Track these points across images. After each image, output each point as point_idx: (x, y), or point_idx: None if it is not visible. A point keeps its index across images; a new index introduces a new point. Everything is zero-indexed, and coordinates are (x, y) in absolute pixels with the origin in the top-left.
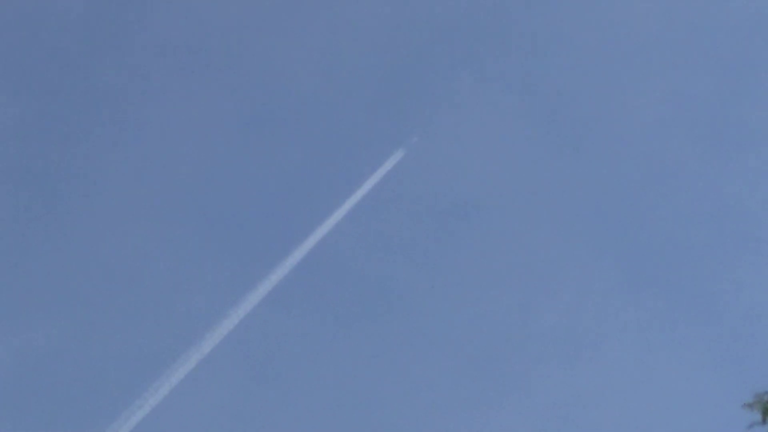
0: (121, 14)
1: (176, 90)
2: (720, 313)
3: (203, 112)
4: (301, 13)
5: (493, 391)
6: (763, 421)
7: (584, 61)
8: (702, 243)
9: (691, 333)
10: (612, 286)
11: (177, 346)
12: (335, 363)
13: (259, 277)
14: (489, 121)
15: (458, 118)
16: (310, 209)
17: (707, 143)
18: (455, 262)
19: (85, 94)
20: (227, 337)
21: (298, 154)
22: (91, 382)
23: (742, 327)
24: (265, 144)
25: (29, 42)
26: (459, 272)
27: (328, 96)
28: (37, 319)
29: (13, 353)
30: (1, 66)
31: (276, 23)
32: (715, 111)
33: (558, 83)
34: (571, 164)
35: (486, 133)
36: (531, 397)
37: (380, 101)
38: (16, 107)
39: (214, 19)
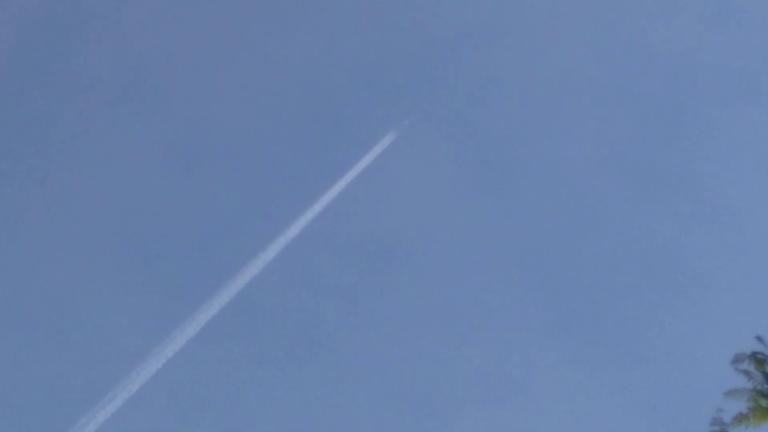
0: (51, 45)
1: (103, 122)
2: (643, 356)
3: (131, 146)
4: (225, 59)
5: None
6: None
7: (515, 105)
8: (626, 287)
9: (615, 376)
10: (538, 328)
11: (104, 383)
12: (263, 401)
13: (187, 314)
14: (419, 162)
15: (388, 158)
16: (240, 248)
17: (633, 187)
18: (383, 302)
19: (11, 125)
20: (155, 374)
21: (229, 192)
22: (15, 418)
23: (665, 370)
24: (196, 181)
25: None
26: (386, 312)
27: (257, 137)
28: None
29: None
30: None
31: (195, 67)
32: (641, 155)
33: (489, 126)
34: (500, 206)
35: (416, 174)
36: None
37: (311, 142)
38: None
39: (153, 48)
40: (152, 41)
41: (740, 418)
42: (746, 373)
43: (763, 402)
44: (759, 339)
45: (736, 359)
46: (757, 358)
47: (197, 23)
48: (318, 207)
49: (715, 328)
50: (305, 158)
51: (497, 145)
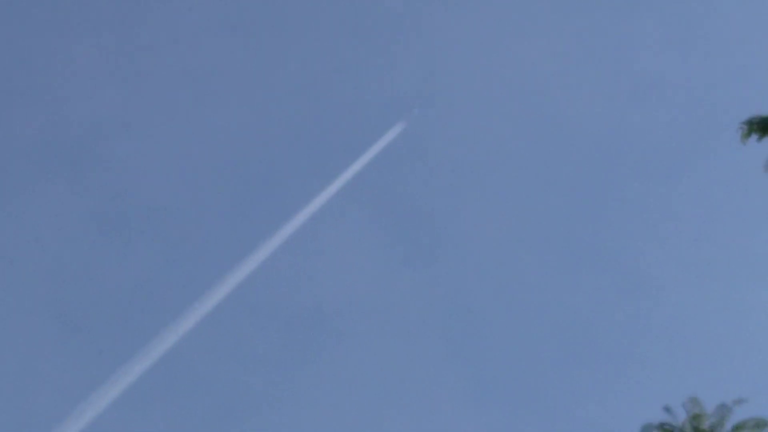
0: None
1: (30, 186)
2: (558, 425)
3: (56, 210)
4: (145, 116)
5: None
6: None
7: (442, 178)
8: (545, 357)
9: None
10: (458, 396)
11: None
12: None
13: (108, 380)
14: (345, 233)
15: (314, 228)
16: (162, 313)
17: (553, 261)
18: (307, 371)
19: None
20: None
21: (152, 258)
22: None
23: None
24: (120, 246)
25: None
26: (310, 381)
27: (183, 201)
28: None
29: None
30: None
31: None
32: (562, 230)
33: (416, 197)
34: (424, 278)
35: (342, 245)
36: None
37: (237, 207)
38: None
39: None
40: (82, 106)
41: None
42: None
43: None
44: (667, 410)
45: (645, 429)
46: (664, 429)
47: (128, 90)
48: (242, 274)
49: (627, 398)
50: (230, 224)
51: (423, 217)
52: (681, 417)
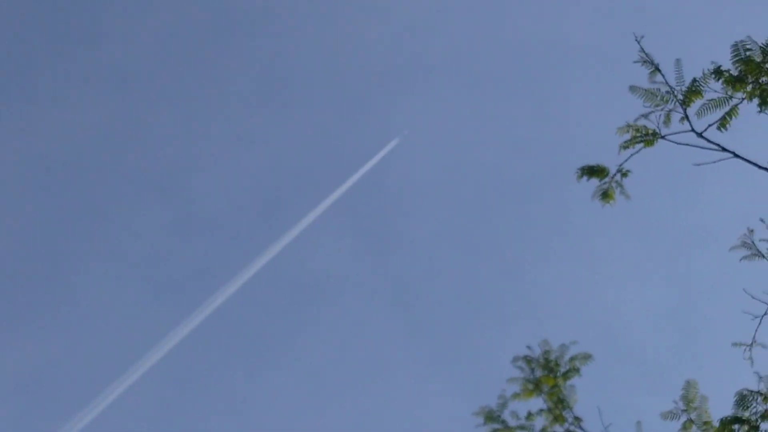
0: None
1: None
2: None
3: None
4: None
5: None
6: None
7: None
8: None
9: None
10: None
11: None
12: None
13: None
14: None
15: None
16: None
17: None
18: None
19: None
20: None
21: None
22: None
23: None
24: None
25: None
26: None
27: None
28: None
29: None
30: None
31: None
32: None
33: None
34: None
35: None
36: None
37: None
38: None
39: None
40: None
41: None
42: None
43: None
44: (528, 347)
45: (514, 359)
46: (526, 359)
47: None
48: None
49: (512, 346)
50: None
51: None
52: (537, 352)
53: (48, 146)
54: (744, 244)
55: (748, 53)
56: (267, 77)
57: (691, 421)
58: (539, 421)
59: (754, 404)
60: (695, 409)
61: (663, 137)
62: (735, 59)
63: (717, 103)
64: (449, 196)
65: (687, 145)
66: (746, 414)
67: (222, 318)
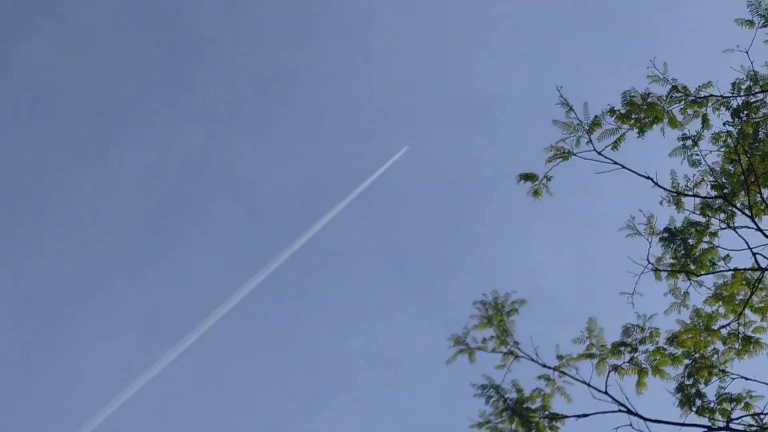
0: None
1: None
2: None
3: None
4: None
5: None
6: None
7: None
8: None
9: None
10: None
11: None
12: None
13: None
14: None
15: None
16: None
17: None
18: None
19: None
20: None
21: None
22: None
23: None
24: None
25: None
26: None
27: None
28: None
29: None
30: None
31: None
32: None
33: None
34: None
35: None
36: None
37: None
38: None
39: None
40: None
41: None
42: None
43: None
44: (483, 295)
45: (474, 303)
46: (483, 302)
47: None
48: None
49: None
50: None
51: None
52: (489, 298)
53: (162, 160)
54: (628, 227)
55: (632, 98)
56: (308, 106)
57: (592, 344)
58: (491, 344)
59: (634, 333)
60: (596, 336)
61: (575, 154)
62: (623, 102)
63: (611, 132)
64: (439, 193)
65: (591, 159)
66: (629, 340)
67: (280, 276)
